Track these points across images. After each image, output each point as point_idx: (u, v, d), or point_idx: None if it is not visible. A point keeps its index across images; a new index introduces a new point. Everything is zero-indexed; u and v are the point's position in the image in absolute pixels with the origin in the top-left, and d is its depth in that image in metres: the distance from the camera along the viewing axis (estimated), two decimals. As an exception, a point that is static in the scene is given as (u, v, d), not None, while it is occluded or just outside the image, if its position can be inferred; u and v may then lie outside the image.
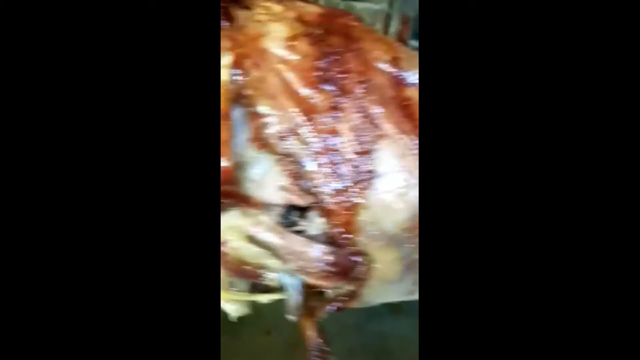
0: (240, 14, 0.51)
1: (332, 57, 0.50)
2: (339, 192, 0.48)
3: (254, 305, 0.54)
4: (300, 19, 0.52)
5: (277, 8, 0.53)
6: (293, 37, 0.50)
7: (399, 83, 0.52)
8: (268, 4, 0.53)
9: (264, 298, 0.53)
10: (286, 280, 0.53)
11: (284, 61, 0.49)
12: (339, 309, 0.54)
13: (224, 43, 0.49)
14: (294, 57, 0.49)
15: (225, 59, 0.48)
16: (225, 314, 0.53)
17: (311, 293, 0.53)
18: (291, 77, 0.49)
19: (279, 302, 0.54)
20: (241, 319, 0.65)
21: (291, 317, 0.54)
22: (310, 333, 0.53)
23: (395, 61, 0.52)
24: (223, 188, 0.46)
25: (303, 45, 0.50)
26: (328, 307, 0.53)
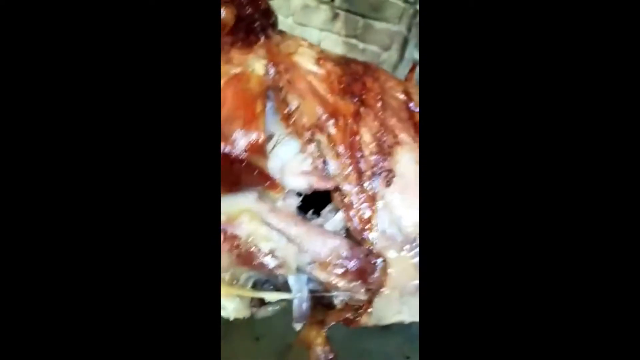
0: (275, 37, 0.57)
1: (354, 76, 0.56)
2: (358, 184, 0.49)
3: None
4: (322, 54, 0.59)
5: (304, 43, 0.60)
6: (319, 58, 0.57)
7: (410, 110, 0.57)
8: (296, 39, 0.61)
9: (268, 296, 0.49)
10: (294, 282, 0.50)
11: (312, 73, 0.54)
12: (348, 323, 0.50)
13: (261, 52, 0.54)
14: (321, 71, 0.55)
15: (261, 62, 0.53)
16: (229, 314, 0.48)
17: (319, 300, 0.50)
18: (318, 84, 0.54)
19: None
20: (231, 322, 0.59)
21: (296, 325, 0.49)
22: (318, 342, 0.48)
23: (407, 93, 0.58)
24: (249, 158, 0.46)
25: (329, 64, 0.56)
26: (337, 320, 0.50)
